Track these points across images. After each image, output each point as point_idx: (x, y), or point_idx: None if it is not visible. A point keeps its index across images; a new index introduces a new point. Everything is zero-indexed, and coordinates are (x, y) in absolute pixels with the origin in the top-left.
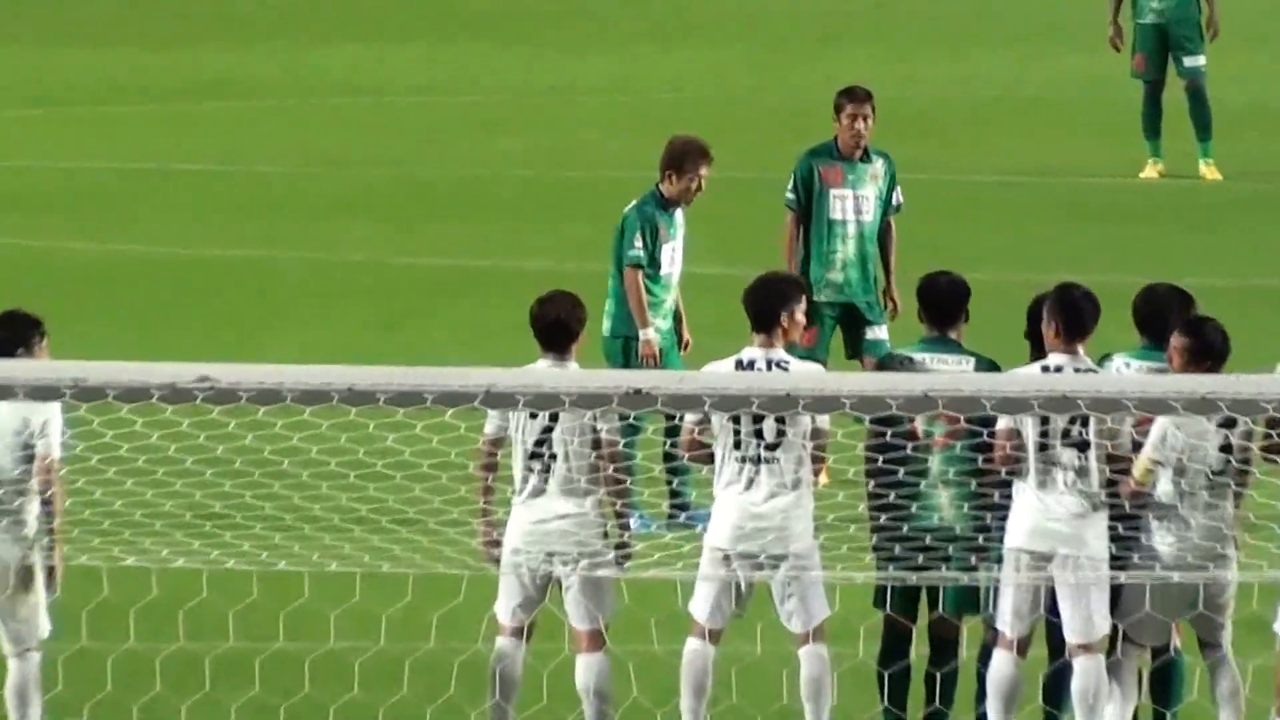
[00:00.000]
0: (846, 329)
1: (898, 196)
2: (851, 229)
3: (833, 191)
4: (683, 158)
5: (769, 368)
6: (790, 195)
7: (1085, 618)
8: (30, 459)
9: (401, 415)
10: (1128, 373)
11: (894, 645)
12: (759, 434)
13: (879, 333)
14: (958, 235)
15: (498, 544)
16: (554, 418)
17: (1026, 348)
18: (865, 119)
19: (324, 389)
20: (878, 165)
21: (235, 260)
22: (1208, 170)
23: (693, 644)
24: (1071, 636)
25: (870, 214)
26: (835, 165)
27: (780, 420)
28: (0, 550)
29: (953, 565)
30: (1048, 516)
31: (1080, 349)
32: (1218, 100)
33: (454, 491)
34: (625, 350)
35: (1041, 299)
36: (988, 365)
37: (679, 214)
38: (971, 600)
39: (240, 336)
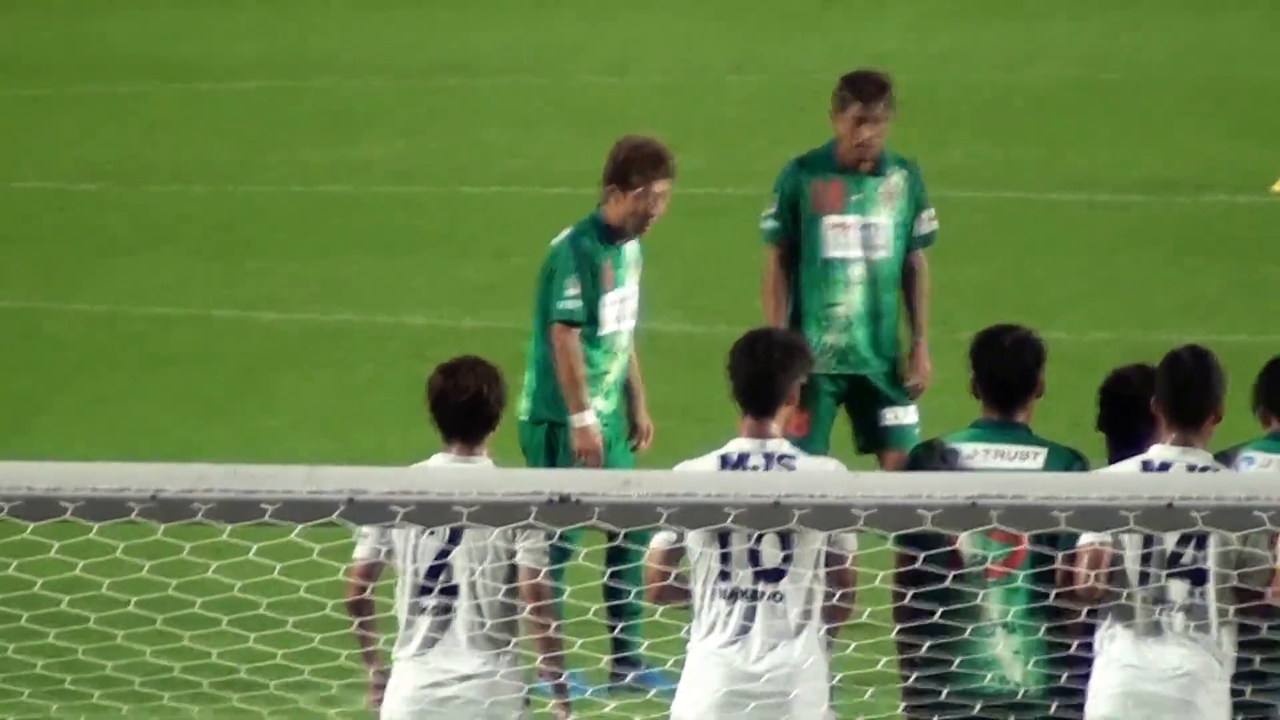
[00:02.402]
0: (856, 411)
1: (928, 222)
2: (858, 271)
3: (830, 219)
4: (629, 168)
5: (768, 465)
6: (771, 223)
7: None
8: None
9: (228, 534)
10: (1257, 470)
11: None
12: (754, 557)
13: (903, 415)
14: (1023, 275)
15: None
16: (453, 537)
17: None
18: (877, 123)
19: (119, 497)
20: (895, 179)
21: None
22: None
23: None
24: None
25: (886, 248)
26: (834, 181)
27: (785, 540)
28: None
29: None
30: (1147, 677)
31: (1197, 440)
32: None
33: (305, 642)
34: (551, 441)
35: (1127, 373)
36: (1067, 459)
37: (632, 249)
38: None
39: None
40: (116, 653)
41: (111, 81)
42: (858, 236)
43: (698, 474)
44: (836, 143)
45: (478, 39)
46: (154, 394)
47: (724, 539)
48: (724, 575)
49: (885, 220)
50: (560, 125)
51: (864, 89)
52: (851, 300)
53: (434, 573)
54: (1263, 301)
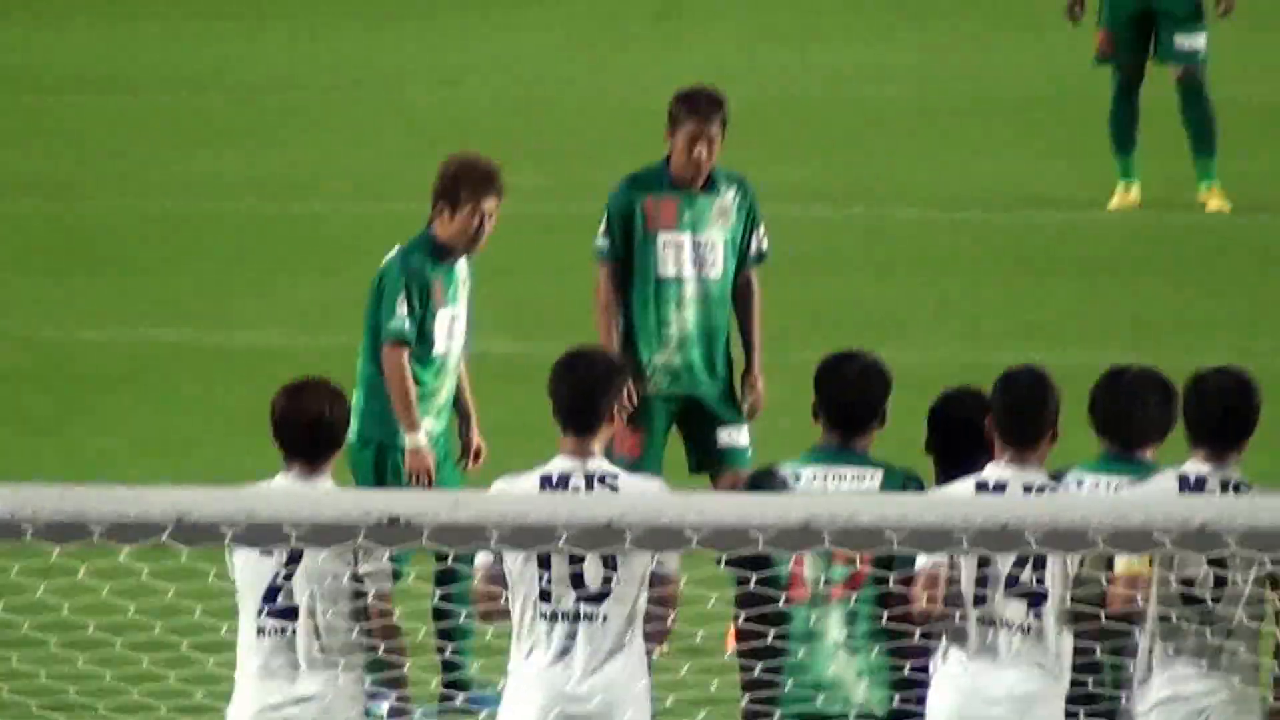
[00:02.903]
0: (689, 432)
1: (760, 240)
2: (691, 289)
3: (663, 236)
4: (458, 186)
5: (589, 485)
6: (602, 241)
7: None
8: None
9: (57, 555)
10: (1092, 493)
11: None
12: (577, 580)
13: (737, 436)
14: (857, 295)
15: None
16: (293, 558)
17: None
18: (710, 142)
19: None
20: (728, 196)
21: None
22: (1210, 198)
23: None
24: None
25: (719, 266)
26: (667, 199)
27: (608, 561)
28: None
29: None
30: (982, 699)
31: (1033, 459)
32: (1226, 101)
33: (134, 664)
34: (380, 462)
35: (957, 395)
36: (902, 481)
37: (462, 267)
38: None
39: None
40: None
41: None
42: (690, 254)
43: (530, 496)
44: (670, 160)
45: (312, 54)
46: None
47: (544, 560)
48: (545, 596)
49: (718, 238)
50: (393, 141)
51: (698, 106)
52: (684, 319)
53: (272, 594)
54: (1098, 322)
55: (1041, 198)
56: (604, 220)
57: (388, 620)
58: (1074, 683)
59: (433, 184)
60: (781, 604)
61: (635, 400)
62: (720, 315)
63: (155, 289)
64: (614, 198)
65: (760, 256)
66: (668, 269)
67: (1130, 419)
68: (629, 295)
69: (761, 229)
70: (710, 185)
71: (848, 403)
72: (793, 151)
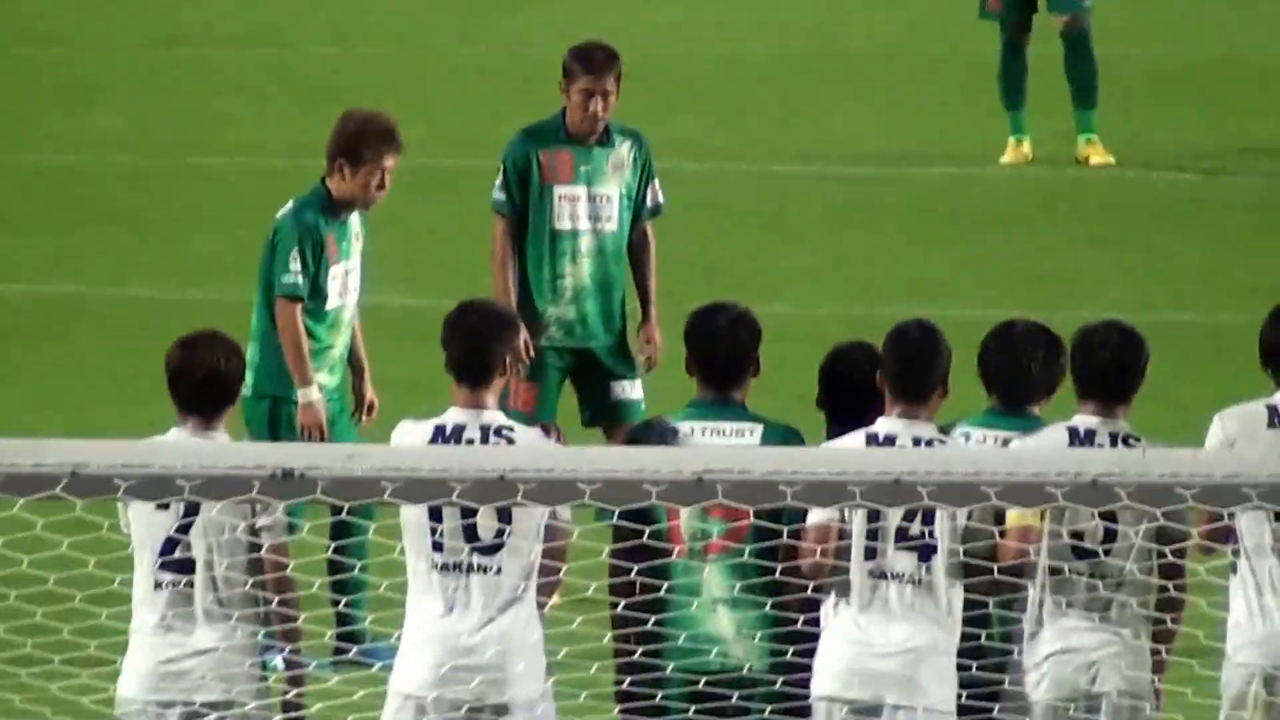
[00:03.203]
0: (582, 385)
1: (655, 193)
2: (587, 243)
3: (559, 189)
4: (359, 143)
5: (484, 438)
6: (499, 194)
7: None
8: None
9: None
10: (981, 446)
11: None
12: (470, 532)
13: (630, 390)
14: (751, 249)
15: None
16: (189, 511)
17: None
18: (606, 96)
19: None
20: (623, 150)
21: None
22: (1092, 151)
23: None
24: None
25: (614, 221)
26: (562, 152)
27: (502, 514)
28: None
29: None
30: (871, 652)
31: (923, 413)
32: (1109, 56)
33: (28, 616)
34: (274, 415)
35: (840, 353)
36: (782, 436)
37: (355, 221)
38: None
39: None
40: None
41: None
42: (586, 208)
43: (424, 450)
44: (565, 114)
45: (203, 10)
46: None
47: (436, 513)
48: (438, 547)
49: (614, 192)
50: (285, 97)
51: (592, 61)
52: (580, 272)
53: (169, 547)
54: (986, 276)
55: (933, 153)
56: (500, 174)
57: (283, 573)
58: (965, 636)
59: (330, 140)
60: (669, 558)
61: (532, 354)
62: (616, 268)
63: (50, 244)
64: (510, 151)
65: (655, 210)
66: (563, 222)
67: (1018, 374)
68: (525, 248)
69: (656, 183)
70: (606, 139)
71: (719, 355)
72: (685, 106)
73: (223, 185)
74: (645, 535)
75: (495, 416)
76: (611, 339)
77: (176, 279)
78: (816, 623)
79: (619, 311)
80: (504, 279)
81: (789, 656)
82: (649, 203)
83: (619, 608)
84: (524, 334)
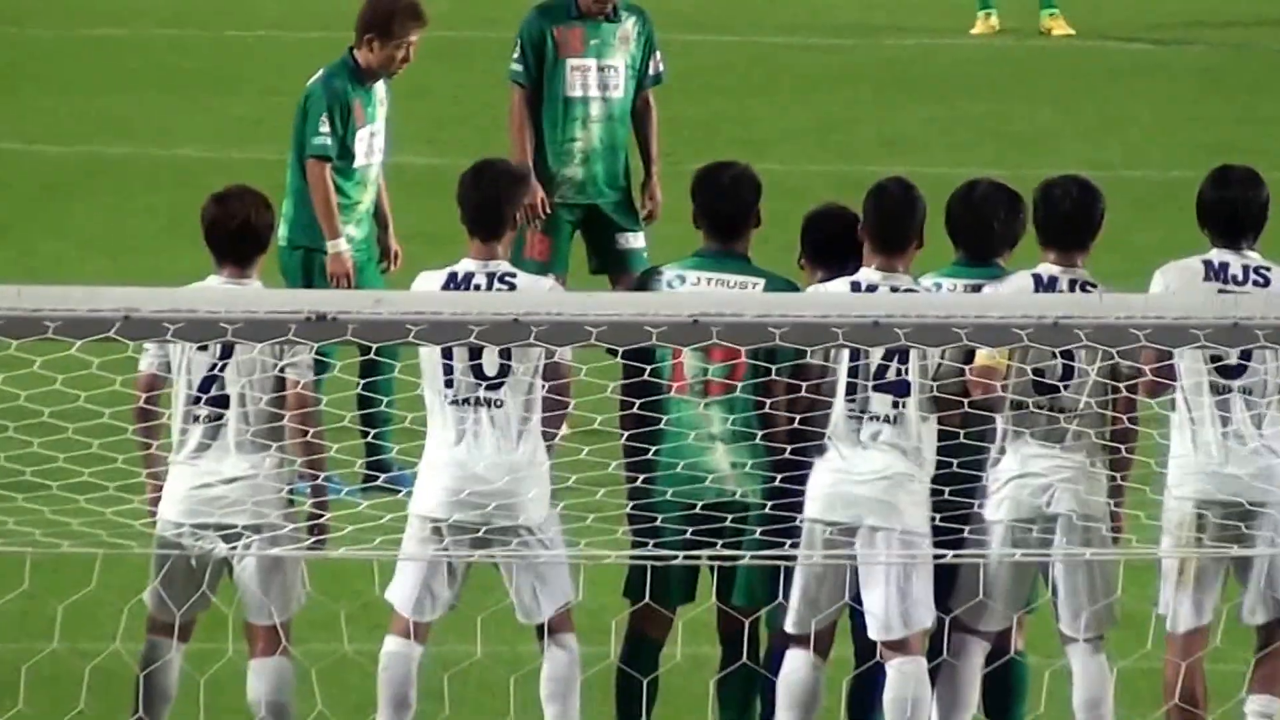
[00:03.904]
0: (592, 237)
1: (656, 64)
2: (596, 110)
3: (570, 62)
4: (390, 20)
5: (490, 284)
6: (516, 66)
7: (899, 608)
8: None
9: (15, 349)
10: (950, 293)
11: (640, 642)
12: (478, 370)
13: (633, 240)
14: (743, 113)
15: (154, 511)
16: (225, 352)
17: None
18: None
19: None
20: (628, 25)
21: None
22: (1054, 23)
23: (393, 643)
24: (881, 633)
25: (620, 89)
26: (574, 28)
27: (504, 353)
28: None
29: (742, 545)
30: (852, 479)
31: (900, 264)
32: None
33: (84, 447)
34: (307, 265)
35: (823, 212)
36: (782, 287)
37: (380, 89)
38: (769, 589)
39: None
40: None
41: None
42: (595, 78)
43: (444, 295)
44: None
45: None
46: None
47: (447, 353)
48: (450, 384)
49: (620, 63)
50: None
51: None
52: (589, 136)
53: (206, 384)
54: (958, 136)
55: (908, 25)
56: (517, 47)
57: (309, 409)
58: (939, 464)
59: (361, 15)
60: (665, 394)
61: (548, 210)
62: (621, 132)
63: (103, 108)
64: (526, 27)
65: (657, 79)
66: (575, 90)
67: (981, 230)
68: (539, 114)
69: (658, 54)
70: (613, 15)
71: (724, 208)
72: None
73: (259, 55)
74: (638, 372)
75: (501, 265)
76: (617, 195)
77: (218, 140)
78: (805, 453)
79: (623, 170)
80: (521, 143)
81: (780, 483)
82: (651, 72)
83: (626, 438)
84: (539, 192)
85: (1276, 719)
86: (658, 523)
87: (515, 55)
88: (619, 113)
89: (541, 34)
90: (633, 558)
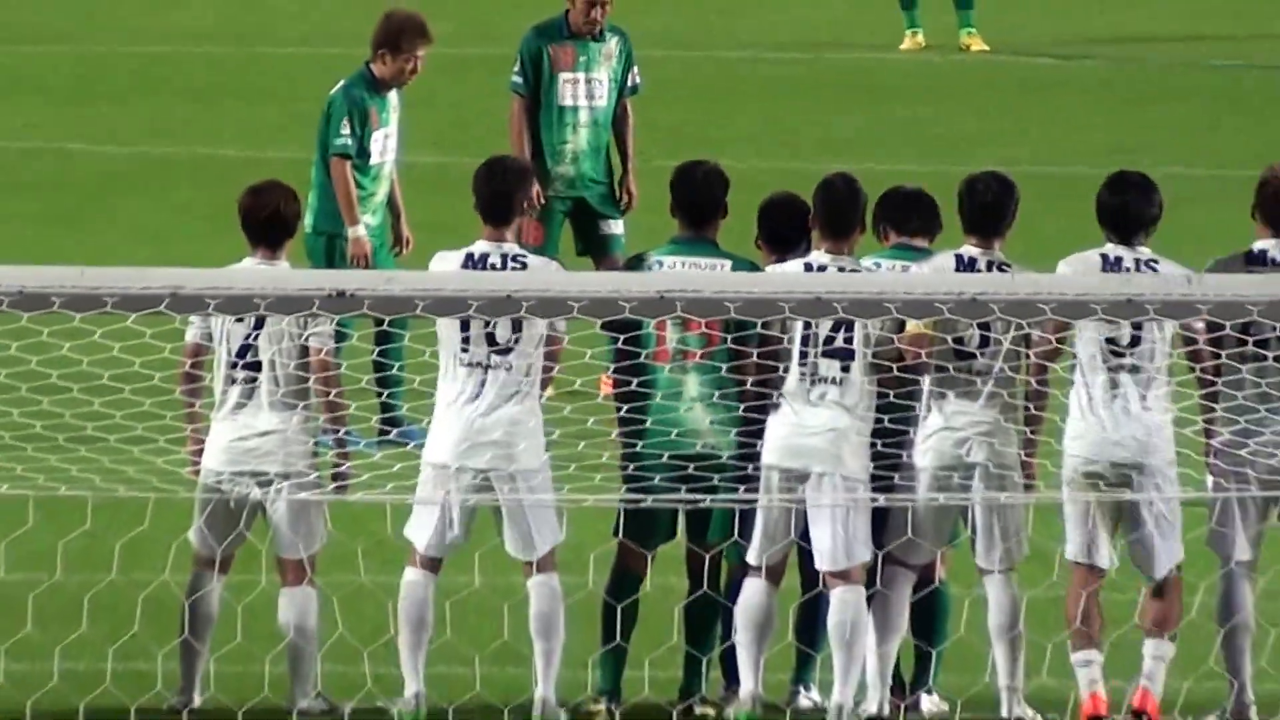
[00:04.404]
0: (578, 225)
1: (634, 77)
2: (584, 116)
3: (563, 75)
4: (399, 36)
5: (503, 264)
6: (517, 78)
7: (842, 543)
8: None
9: (78, 321)
10: (885, 272)
11: (624, 577)
12: (490, 338)
13: (614, 227)
14: (705, 118)
15: (197, 463)
16: (259, 324)
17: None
18: (604, 6)
19: None
20: (612, 44)
21: None
22: (971, 41)
23: (410, 575)
24: (826, 564)
25: (604, 98)
26: (566, 46)
27: (515, 325)
28: None
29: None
30: (804, 432)
31: (845, 248)
32: None
33: (137, 405)
34: (330, 248)
35: (778, 200)
36: (747, 268)
37: (393, 97)
38: (733, 529)
39: None
40: None
41: None
42: (584, 89)
43: (446, 272)
44: (569, 15)
45: None
46: (17, 211)
47: (465, 323)
48: (465, 349)
49: (604, 76)
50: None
51: None
52: (578, 139)
53: (242, 352)
54: (889, 139)
55: (848, 41)
56: (517, 62)
57: (330, 372)
58: (876, 419)
59: (375, 33)
60: (647, 360)
61: (542, 200)
62: (604, 135)
63: (154, 113)
64: (525, 45)
65: (634, 89)
66: (566, 100)
67: (909, 222)
68: (536, 120)
69: (635, 69)
70: (599, 35)
71: (696, 200)
72: (655, 6)
73: (286, 68)
74: (626, 342)
75: (512, 248)
76: (601, 189)
77: (251, 142)
78: (765, 411)
79: (606, 168)
80: (520, 144)
81: (744, 437)
82: (629, 84)
83: (617, 399)
84: (536, 186)
85: (1168, 659)
86: (647, 473)
87: (516, 69)
88: (603, 119)
89: (539, 51)
90: (621, 501)
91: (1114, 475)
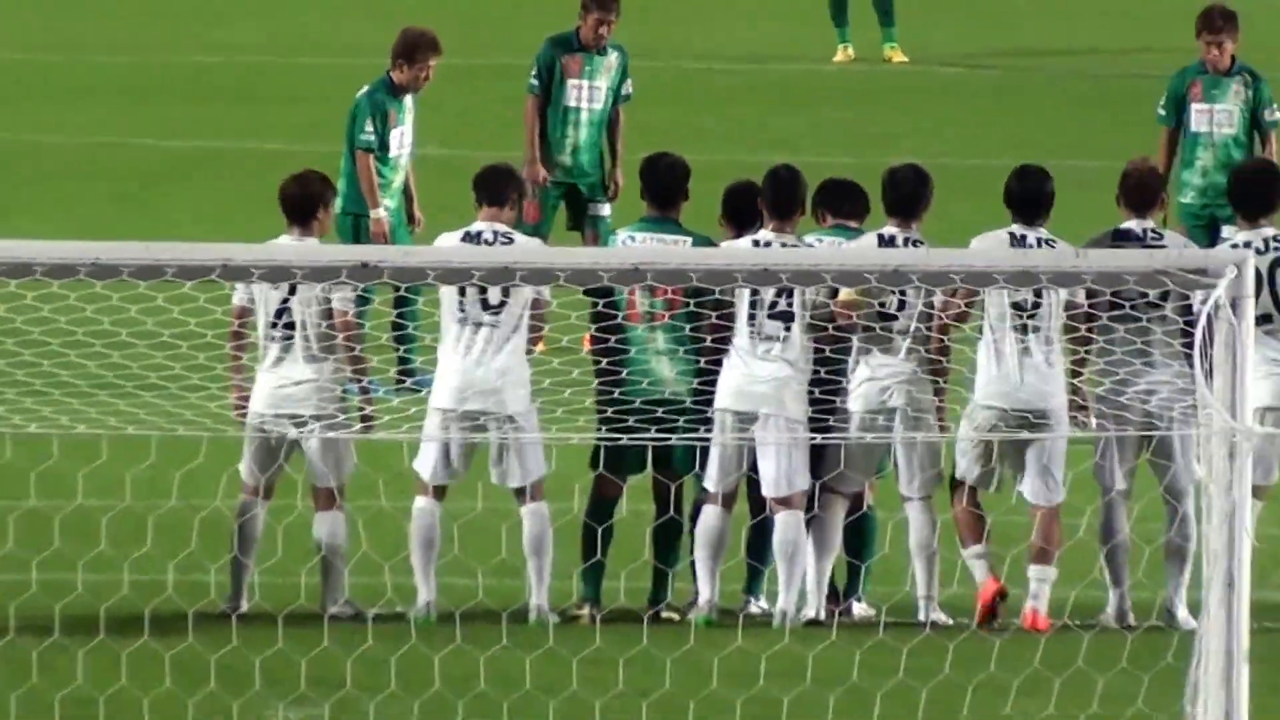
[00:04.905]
0: (571, 206)
1: (627, 87)
2: (584, 116)
3: (570, 81)
4: (414, 49)
5: (495, 239)
6: (533, 81)
7: (784, 474)
8: None
9: (143, 287)
10: (822, 246)
11: (601, 503)
12: (485, 302)
13: (601, 209)
14: (668, 119)
15: (243, 407)
16: (292, 290)
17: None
18: (610, 25)
19: (72, 263)
20: (612, 58)
21: None
22: (892, 53)
23: (419, 502)
24: (772, 492)
25: (601, 103)
26: (576, 56)
27: (504, 291)
28: None
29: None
30: (753, 381)
31: (789, 226)
32: None
33: (193, 359)
34: (356, 227)
35: (735, 187)
36: (704, 243)
37: (409, 100)
38: (694, 462)
39: None
40: (72, 365)
41: None
42: (586, 94)
43: (449, 247)
44: (578, 31)
45: None
46: (91, 196)
47: (462, 290)
48: (461, 306)
49: (604, 84)
50: (360, 17)
51: (605, 3)
52: (578, 135)
53: (279, 314)
54: (826, 136)
55: (788, 54)
56: (534, 69)
57: (355, 331)
58: (813, 371)
59: (394, 47)
60: (622, 321)
61: (544, 181)
62: (599, 133)
63: (206, 113)
64: (542, 54)
65: (626, 97)
66: (571, 102)
67: (843, 206)
68: (546, 117)
69: (629, 80)
70: (603, 50)
71: (661, 186)
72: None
73: (316, 77)
74: (604, 304)
75: (501, 226)
76: (593, 179)
77: (290, 137)
78: (720, 363)
79: (598, 160)
80: (532, 136)
81: (698, 386)
82: (623, 93)
83: (595, 353)
84: (543, 171)
85: (1050, 581)
86: (621, 415)
87: (533, 74)
88: (599, 120)
89: (552, 59)
90: (599, 439)
91: (1015, 419)
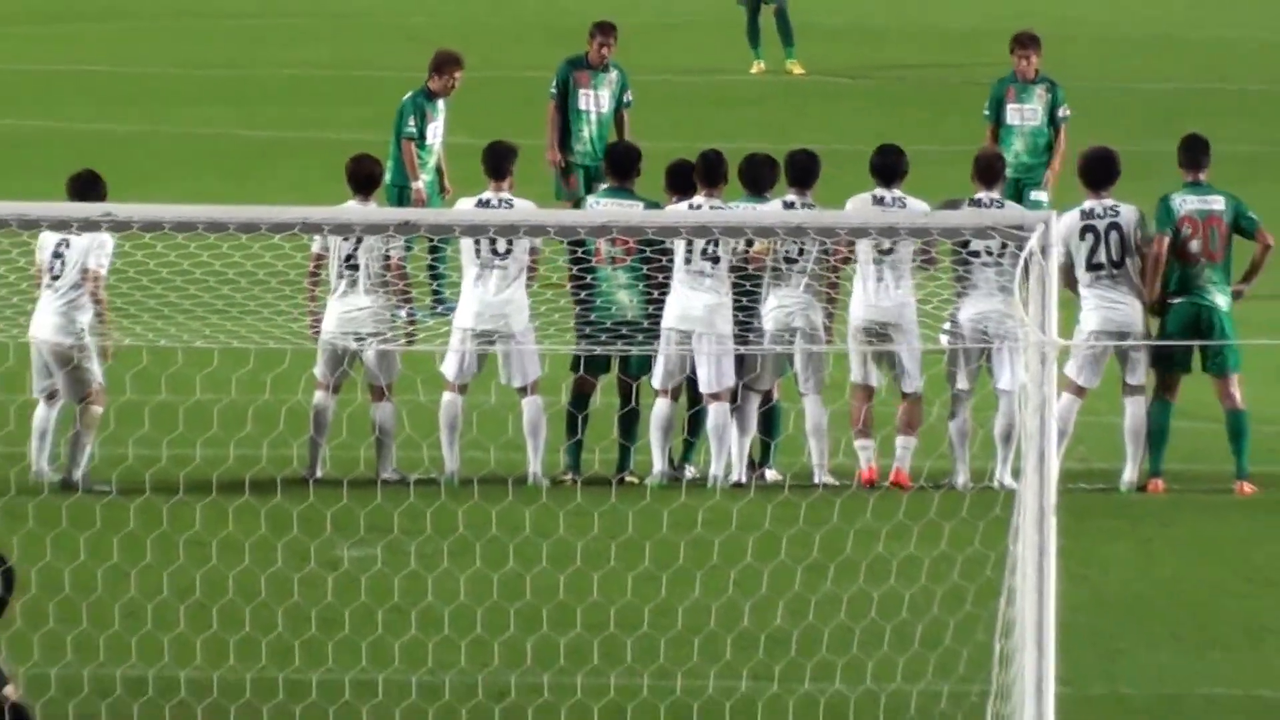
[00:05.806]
0: (587, 180)
1: (628, 96)
2: (592, 117)
3: (581, 90)
4: (444, 64)
5: (498, 205)
6: (553, 89)
7: (715, 376)
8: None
9: (244, 239)
10: (745, 209)
11: (580, 394)
12: (493, 249)
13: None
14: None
15: (318, 327)
16: (358, 241)
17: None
18: (610, 47)
19: (192, 221)
20: (613, 75)
21: (127, 135)
22: (793, 65)
23: (447, 396)
24: (705, 388)
25: (606, 107)
26: (585, 72)
27: (510, 242)
28: (59, 336)
29: (631, 343)
30: (691, 306)
31: (718, 194)
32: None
33: (281, 290)
34: (400, 195)
35: (676, 164)
36: (652, 206)
37: (441, 102)
38: (647, 367)
39: (133, 188)
40: (191, 296)
41: None
42: (594, 100)
43: (475, 210)
44: (588, 54)
45: None
46: (204, 173)
47: (478, 241)
48: (477, 254)
49: (607, 93)
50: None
51: (606, 29)
52: (590, 131)
53: (347, 258)
54: (745, 128)
55: (718, 67)
56: (555, 80)
57: (402, 270)
58: (735, 300)
59: (430, 62)
60: (593, 264)
61: (557, 162)
62: (605, 130)
63: (292, 113)
64: (561, 70)
65: (628, 104)
66: (581, 106)
67: (758, 180)
68: (564, 118)
69: (629, 91)
70: (606, 67)
71: (621, 164)
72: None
73: (377, 85)
74: (580, 252)
75: (506, 195)
76: (597, 162)
77: (355, 129)
78: (665, 293)
79: (604, 151)
80: (552, 131)
81: (651, 310)
82: (625, 100)
83: (573, 289)
84: (556, 155)
85: (912, 449)
86: (594, 332)
87: (554, 84)
88: (605, 120)
89: (567, 74)
90: (578, 349)
91: (880, 330)
